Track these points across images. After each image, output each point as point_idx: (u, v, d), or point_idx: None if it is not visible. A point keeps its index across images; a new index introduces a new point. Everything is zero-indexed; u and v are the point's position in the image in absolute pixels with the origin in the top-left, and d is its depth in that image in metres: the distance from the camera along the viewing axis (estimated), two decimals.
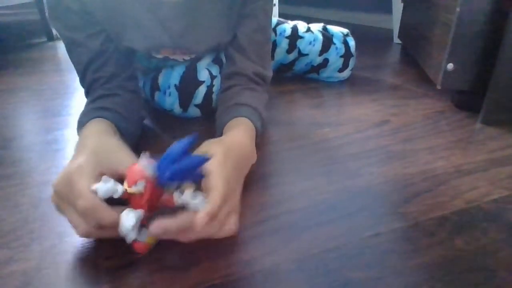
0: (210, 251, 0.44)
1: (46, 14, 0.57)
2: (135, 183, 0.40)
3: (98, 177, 0.42)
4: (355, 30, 1.17)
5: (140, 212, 0.40)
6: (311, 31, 1.00)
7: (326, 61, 1.00)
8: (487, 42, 0.78)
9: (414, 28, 1.17)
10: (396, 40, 1.53)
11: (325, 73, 1.03)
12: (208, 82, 0.75)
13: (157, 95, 0.78)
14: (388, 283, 0.40)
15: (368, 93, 0.97)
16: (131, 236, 0.40)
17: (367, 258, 0.43)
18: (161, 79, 0.77)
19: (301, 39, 0.98)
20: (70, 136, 0.73)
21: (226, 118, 0.62)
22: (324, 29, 1.03)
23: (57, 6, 0.58)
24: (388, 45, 1.53)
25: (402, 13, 1.39)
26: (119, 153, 0.46)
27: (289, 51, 0.98)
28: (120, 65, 0.65)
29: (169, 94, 0.76)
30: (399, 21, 1.43)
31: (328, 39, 1.00)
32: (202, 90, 0.75)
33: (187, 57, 0.75)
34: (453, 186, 0.57)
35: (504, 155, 0.66)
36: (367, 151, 0.68)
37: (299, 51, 0.99)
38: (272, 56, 0.98)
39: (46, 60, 1.26)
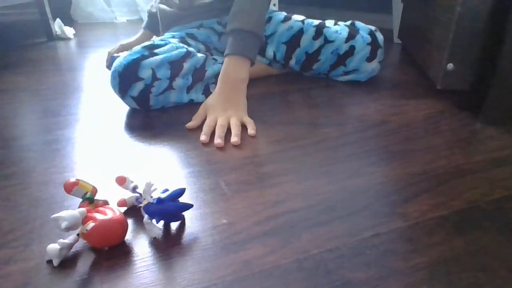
0: (210, 251, 0.44)
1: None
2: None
3: None
4: None
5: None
6: (338, 24, 1.04)
7: (352, 48, 0.99)
8: (487, 42, 0.78)
9: (414, 28, 1.17)
10: (396, 40, 1.53)
11: (353, 63, 1.01)
12: (148, 81, 0.79)
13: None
14: (388, 283, 0.40)
15: (368, 93, 0.97)
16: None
17: (367, 258, 0.43)
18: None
19: (328, 28, 1.01)
20: (70, 136, 0.73)
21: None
22: (352, 24, 1.06)
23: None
24: (388, 45, 1.53)
25: (402, 13, 1.39)
26: None
27: (315, 38, 1.01)
28: None
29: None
30: (399, 21, 1.43)
31: (354, 30, 1.02)
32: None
33: None
34: (453, 186, 0.57)
35: (504, 155, 0.66)
36: (367, 151, 0.68)
37: (325, 38, 1.00)
38: (298, 44, 1.01)
39: (46, 60, 1.26)
